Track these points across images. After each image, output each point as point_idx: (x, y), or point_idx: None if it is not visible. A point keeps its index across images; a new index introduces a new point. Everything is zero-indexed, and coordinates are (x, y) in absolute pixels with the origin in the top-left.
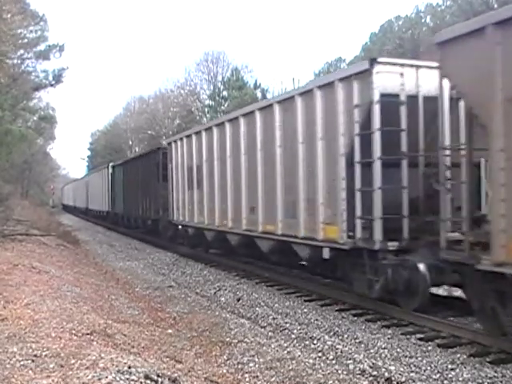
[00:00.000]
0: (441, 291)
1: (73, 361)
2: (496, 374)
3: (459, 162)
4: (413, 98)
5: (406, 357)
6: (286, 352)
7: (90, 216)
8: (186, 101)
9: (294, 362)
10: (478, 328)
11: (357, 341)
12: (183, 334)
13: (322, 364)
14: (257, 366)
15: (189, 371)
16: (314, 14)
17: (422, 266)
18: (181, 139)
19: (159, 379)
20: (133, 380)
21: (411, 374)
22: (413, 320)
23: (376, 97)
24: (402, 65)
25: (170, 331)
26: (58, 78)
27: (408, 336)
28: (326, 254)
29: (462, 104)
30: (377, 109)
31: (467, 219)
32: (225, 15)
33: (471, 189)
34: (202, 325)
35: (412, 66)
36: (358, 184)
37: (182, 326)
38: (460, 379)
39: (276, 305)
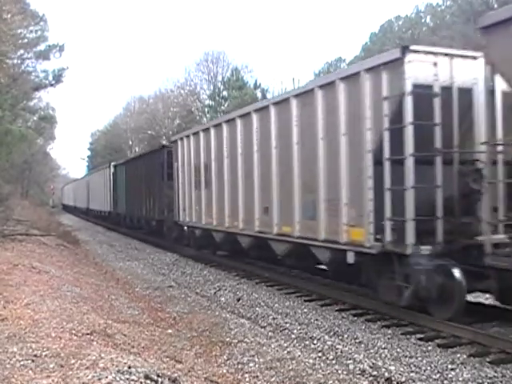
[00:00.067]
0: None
1: (73, 361)
2: (496, 374)
3: (496, 160)
4: (447, 90)
5: (406, 357)
6: (285, 352)
7: (91, 216)
8: (185, 101)
9: (293, 361)
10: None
11: (357, 341)
12: (183, 334)
13: (322, 364)
14: (257, 365)
15: (189, 371)
16: (314, 14)
17: (457, 272)
18: (187, 137)
19: (159, 379)
20: (133, 380)
21: (411, 374)
22: (413, 320)
23: (408, 88)
24: (436, 53)
25: (170, 331)
26: (58, 78)
27: (408, 336)
28: (350, 258)
29: (499, 96)
30: (409, 101)
31: None
32: (225, 15)
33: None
34: (201, 325)
35: (446, 54)
36: (387, 183)
37: (182, 326)
38: (460, 379)
39: (276, 305)
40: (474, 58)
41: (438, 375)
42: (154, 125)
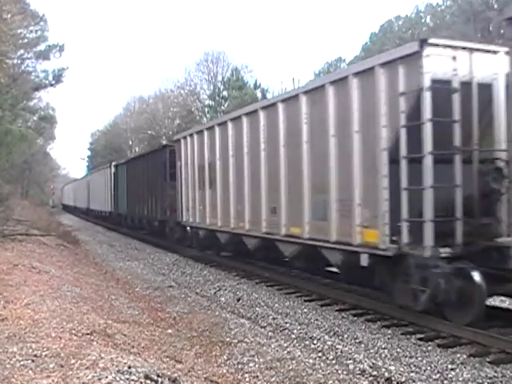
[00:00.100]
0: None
1: (73, 361)
2: (496, 374)
3: None
4: (466, 85)
5: (406, 357)
6: (285, 352)
7: (91, 216)
8: (186, 101)
9: (294, 361)
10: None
11: (357, 341)
12: (183, 334)
13: (322, 364)
14: (257, 365)
15: (189, 371)
16: (314, 14)
17: (477, 275)
18: (191, 135)
19: (159, 379)
20: (133, 380)
21: (411, 374)
22: (413, 320)
23: (426, 83)
24: (455, 47)
25: (170, 331)
26: (58, 78)
27: (408, 336)
28: (363, 260)
29: None
30: (427, 96)
31: None
32: (225, 15)
33: None
34: (202, 325)
35: (465, 48)
36: (404, 182)
37: (182, 326)
38: (460, 379)
39: (276, 305)
40: (495, 52)
41: (437, 375)
42: (154, 125)
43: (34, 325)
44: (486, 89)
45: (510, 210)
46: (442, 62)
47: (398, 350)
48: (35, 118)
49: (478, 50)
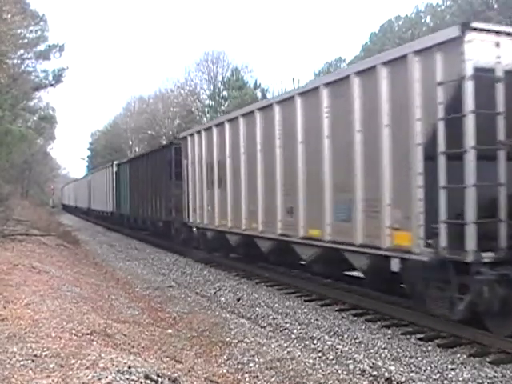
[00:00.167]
0: None
1: (73, 361)
2: (496, 374)
3: None
4: (510, 74)
5: (406, 357)
6: (286, 352)
7: (92, 217)
8: (185, 101)
9: (294, 361)
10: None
11: (357, 341)
12: (183, 334)
13: (322, 364)
14: (257, 365)
15: (189, 371)
16: (314, 14)
17: None
18: (198, 132)
19: (159, 379)
20: (133, 380)
21: (411, 374)
22: (413, 320)
23: (469, 71)
24: (498, 32)
25: (170, 331)
26: (58, 78)
27: (408, 336)
28: (394, 265)
29: None
30: (469, 86)
31: None
32: (225, 15)
33: None
34: (202, 325)
35: (509, 34)
36: (442, 180)
37: (182, 326)
38: (460, 379)
39: (276, 305)
40: None
41: (438, 375)
42: (154, 125)
43: (34, 325)
44: None
45: None
46: (484, 49)
47: (398, 349)
48: (35, 118)
49: None
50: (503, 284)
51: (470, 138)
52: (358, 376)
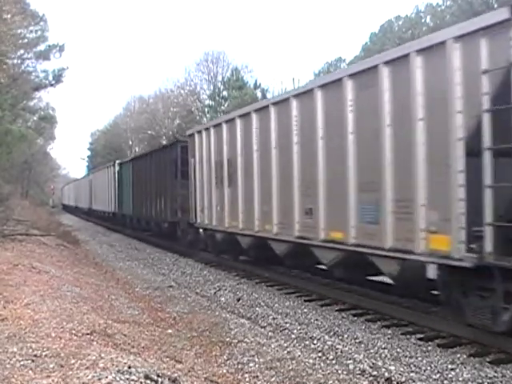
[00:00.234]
0: None
1: (73, 361)
2: (496, 374)
3: None
4: None
5: (406, 357)
6: (286, 352)
7: (93, 217)
8: (186, 101)
9: (293, 361)
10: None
11: (357, 341)
12: (183, 334)
13: (322, 364)
14: (257, 365)
15: (189, 371)
16: (314, 14)
17: None
18: (206, 129)
19: (159, 379)
20: (133, 380)
21: (411, 374)
22: (413, 320)
23: None
24: None
25: (170, 331)
26: (58, 78)
27: (408, 336)
28: (431, 272)
29: None
30: None
31: None
32: (225, 15)
33: None
34: (202, 325)
35: None
36: (487, 179)
37: (182, 326)
38: (460, 379)
39: (276, 305)
40: None
41: (437, 375)
42: (154, 125)
43: (34, 325)
44: None
45: None
46: None
47: (398, 349)
48: (35, 118)
49: None
50: None
51: None
52: (357, 376)
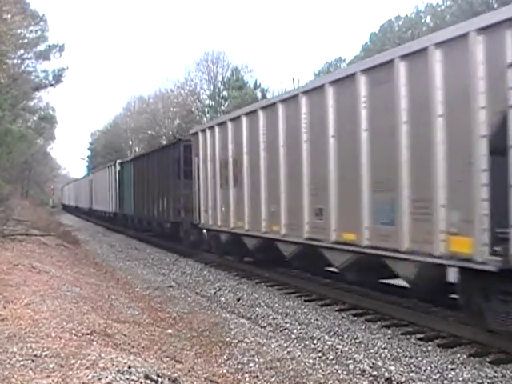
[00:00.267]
0: None
1: (73, 361)
2: (496, 374)
3: None
4: None
5: (406, 357)
6: (285, 352)
7: (94, 217)
8: (185, 101)
9: (293, 361)
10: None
11: (357, 341)
12: (183, 334)
13: (322, 364)
14: (257, 365)
15: (189, 371)
16: (314, 14)
17: None
18: (211, 128)
19: (159, 379)
20: (133, 380)
21: (411, 374)
22: (413, 320)
23: None
24: None
25: (170, 331)
26: (58, 78)
27: (408, 336)
28: (452, 275)
29: None
30: None
31: None
32: (225, 15)
33: None
34: (202, 325)
35: None
36: None
37: (182, 326)
38: (460, 379)
39: (276, 305)
40: None
41: (437, 375)
42: (154, 125)
43: (34, 325)
44: None
45: None
46: None
47: (398, 349)
48: (35, 118)
49: None
50: None
51: None
52: (358, 376)
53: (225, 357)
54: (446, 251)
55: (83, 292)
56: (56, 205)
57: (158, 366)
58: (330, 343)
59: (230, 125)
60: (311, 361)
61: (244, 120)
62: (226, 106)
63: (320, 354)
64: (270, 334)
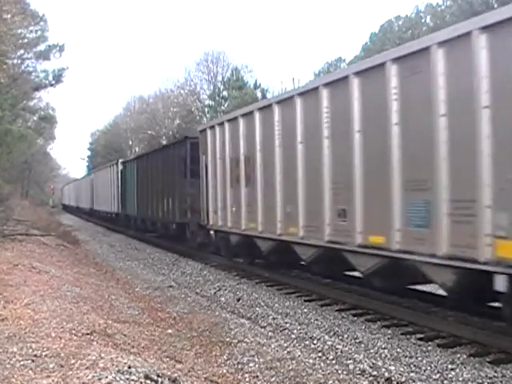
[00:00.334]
0: None
1: (73, 361)
2: (496, 374)
3: None
4: None
5: (406, 357)
6: (285, 352)
7: (95, 217)
8: (186, 101)
9: (294, 361)
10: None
11: (357, 341)
12: (183, 334)
13: (322, 364)
14: (257, 365)
15: (189, 371)
16: (314, 14)
17: None
18: (220, 124)
19: (159, 379)
20: (133, 380)
21: (411, 374)
22: (413, 320)
23: None
24: None
25: (170, 331)
26: (58, 78)
27: (408, 336)
28: (500, 283)
29: None
30: None
31: None
32: (225, 15)
33: None
34: (202, 325)
35: None
36: None
37: (182, 326)
38: (460, 379)
39: (276, 305)
40: None
41: (437, 375)
42: (154, 125)
43: (34, 325)
44: None
45: None
46: None
47: (398, 349)
48: (35, 118)
49: None
50: None
51: None
52: (357, 376)
53: (225, 357)
54: (492, 257)
55: (83, 292)
56: (56, 205)
57: (158, 366)
58: (329, 343)
59: (241, 121)
60: (311, 361)
61: (257, 115)
62: (225, 106)
63: (320, 354)
64: (269, 333)
